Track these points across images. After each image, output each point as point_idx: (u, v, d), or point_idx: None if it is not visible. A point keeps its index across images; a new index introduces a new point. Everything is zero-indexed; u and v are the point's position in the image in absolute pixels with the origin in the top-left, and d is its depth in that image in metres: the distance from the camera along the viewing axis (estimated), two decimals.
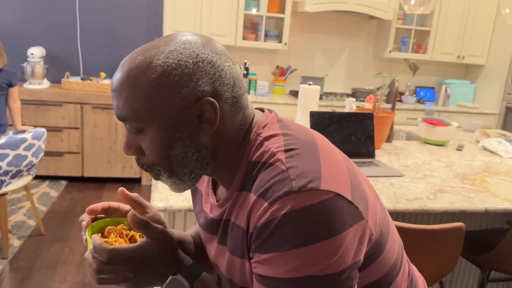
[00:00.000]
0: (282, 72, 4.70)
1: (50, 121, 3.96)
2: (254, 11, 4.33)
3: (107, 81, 4.16)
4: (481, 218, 2.41)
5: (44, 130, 2.95)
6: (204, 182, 0.95)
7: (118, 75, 0.75)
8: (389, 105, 3.96)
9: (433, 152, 2.63)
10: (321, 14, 4.75)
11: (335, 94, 4.87)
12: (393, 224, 0.90)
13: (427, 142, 2.86)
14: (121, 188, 0.89)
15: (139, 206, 0.92)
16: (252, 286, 0.78)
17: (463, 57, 4.92)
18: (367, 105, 2.99)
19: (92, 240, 0.80)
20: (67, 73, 4.19)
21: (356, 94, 4.79)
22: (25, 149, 2.78)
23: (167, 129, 0.74)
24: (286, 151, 0.74)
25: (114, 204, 0.93)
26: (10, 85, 3.16)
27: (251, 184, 0.76)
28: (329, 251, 0.68)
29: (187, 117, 0.74)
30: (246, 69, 4.47)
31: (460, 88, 5.06)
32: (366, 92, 4.74)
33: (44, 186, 4.02)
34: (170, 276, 0.83)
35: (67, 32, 4.36)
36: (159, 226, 0.82)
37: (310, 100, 2.68)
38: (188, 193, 1.65)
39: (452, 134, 2.80)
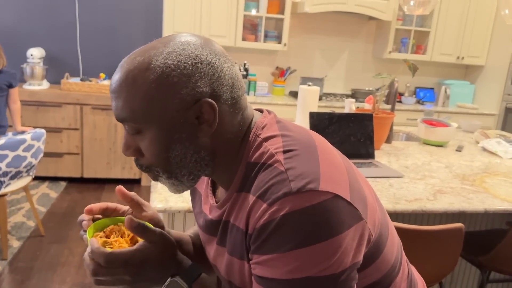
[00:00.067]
0: (281, 73, 4.70)
1: (49, 122, 3.96)
2: (253, 12, 4.33)
3: (106, 82, 4.16)
4: (481, 219, 2.41)
5: (43, 131, 2.95)
6: (204, 183, 0.95)
7: (117, 76, 0.75)
8: (389, 106, 3.97)
9: (433, 152, 2.63)
10: (321, 15, 4.75)
11: (334, 95, 4.87)
12: (392, 225, 0.90)
13: (426, 143, 2.86)
14: (119, 187, 0.89)
15: (137, 205, 0.92)
16: (251, 287, 0.78)
17: (463, 58, 4.93)
18: (366, 106, 2.99)
19: (90, 243, 0.79)
20: (67, 74, 4.19)
21: (355, 95, 4.79)
22: (25, 150, 2.78)
23: (166, 130, 0.74)
24: (285, 152, 0.74)
25: (112, 204, 0.92)
26: (10, 86, 3.15)
27: (250, 185, 0.76)
28: (328, 252, 0.68)
29: (186, 118, 0.74)
30: (246, 70, 4.47)
31: (460, 88, 5.06)
32: (366, 93, 4.74)
33: (44, 187, 4.02)
34: (169, 278, 0.82)
35: (67, 33, 4.36)
36: (157, 229, 0.82)
37: (310, 101, 2.68)
38: (187, 194, 1.64)
39: (451, 135, 2.80)
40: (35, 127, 3.81)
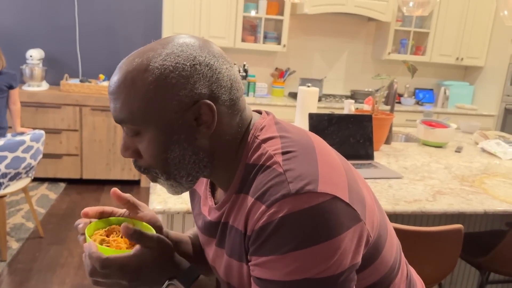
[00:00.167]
0: (281, 74, 4.71)
1: (49, 123, 3.96)
2: (253, 13, 4.33)
3: (106, 83, 4.16)
4: (480, 220, 2.41)
5: (42, 132, 2.95)
6: (203, 185, 0.95)
7: (115, 77, 0.75)
8: (388, 107, 3.97)
9: (432, 154, 2.64)
10: (320, 16, 4.76)
11: (334, 96, 4.87)
12: (391, 226, 0.90)
13: (426, 144, 2.86)
14: (114, 189, 0.89)
15: (133, 206, 0.92)
16: None
17: (462, 59, 4.93)
18: (366, 107, 2.99)
19: (88, 246, 0.79)
20: (66, 75, 4.19)
21: (355, 96, 4.79)
22: (24, 151, 2.78)
23: (165, 132, 0.74)
24: (283, 153, 0.74)
25: (108, 208, 0.92)
26: (11, 87, 3.16)
27: (249, 186, 0.76)
28: (327, 253, 0.68)
29: (184, 119, 0.74)
30: (245, 71, 4.47)
31: (459, 89, 5.07)
32: (365, 94, 4.74)
33: (43, 188, 4.01)
34: (166, 282, 0.82)
35: (66, 34, 4.36)
36: (154, 234, 0.82)
37: (309, 102, 2.68)
38: (186, 195, 1.64)
39: (451, 135, 2.80)
40: (34, 128, 3.81)
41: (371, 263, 0.80)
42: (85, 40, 4.41)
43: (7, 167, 2.70)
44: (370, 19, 4.77)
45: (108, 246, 0.82)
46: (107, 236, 0.86)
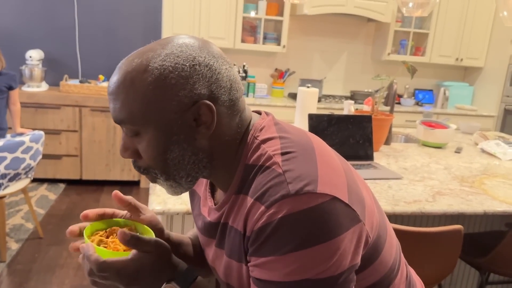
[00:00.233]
0: (280, 75, 4.71)
1: (48, 124, 3.96)
2: (252, 14, 4.34)
3: (105, 84, 4.16)
4: (480, 220, 2.41)
5: (42, 133, 2.95)
6: (202, 186, 0.95)
7: (114, 78, 0.75)
8: (388, 108, 3.96)
9: (432, 154, 2.64)
10: (320, 16, 4.76)
11: (333, 97, 4.87)
12: (390, 226, 0.90)
13: (425, 145, 2.86)
14: (115, 192, 0.89)
15: (134, 208, 0.92)
16: None
17: (462, 60, 4.93)
18: (365, 108, 2.99)
19: (86, 248, 0.79)
20: (66, 76, 4.19)
21: (354, 96, 4.79)
22: (23, 152, 2.78)
23: (164, 132, 0.74)
24: (282, 154, 0.74)
25: (109, 210, 0.92)
26: (10, 88, 3.16)
27: (248, 187, 0.76)
28: (326, 254, 0.68)
29: (183, 120, 0.74)
30: (245, 71, 4.47)
31: (459, 90, 5.07)
32: (365, 95, 4.74)
33: (42, 189, 4.01)
34: (164, 284, 0.82)
35: (66, 35, 4.36)
36: (151, 238, 0.81)
37: (309, 102, 2.68)
38: (186, 196, 1.64)
39: (450, 136, 2.80)
40: (33, 129, 3.81)
41: (371, 264, 0.80)
42: (85, 40, 4.41)
43: (6, 168, 2.70)
44: (369, 20, 4.77)
45: (105, 246, 0.82)
46: (107, 237, 0.86)
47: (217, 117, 0.76)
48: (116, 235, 0.86)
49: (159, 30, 4.53)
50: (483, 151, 2.81)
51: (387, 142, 2.78)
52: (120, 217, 0.92)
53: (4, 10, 4.20)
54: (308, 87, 2.73)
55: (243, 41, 4.42)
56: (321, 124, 2.28)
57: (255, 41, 4.48)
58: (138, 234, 0.81)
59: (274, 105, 4.33)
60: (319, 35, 4.85)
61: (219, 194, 0.89)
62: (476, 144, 3.02)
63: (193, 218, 0.98)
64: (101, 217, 0.90)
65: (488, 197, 1.90)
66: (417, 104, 5.03)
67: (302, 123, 2.66)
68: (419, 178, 2.12)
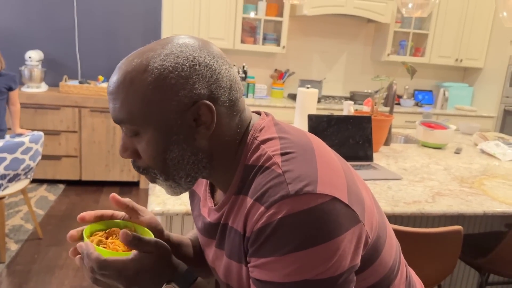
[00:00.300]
0: (280, 76, 4.71)
1: (48, 125, 3.95)
2: (252, 15, 4.34)
3: (105, 85, 4.16)
4: (480, 221, 2.41)
5: (41, 133, 2.94)
6: (202, 186, 0.94)
7: (114, 78, 0.75)
8: (387, 108, 3.96)
9: (431, 155, 2.63)
10: (319, 17, 4.76)
11: (333, 97, 4.87)
12: (390, 227, 0.90)
13: (425, 145, 2.86)
14: (113, 194, 0.89)
15: (133, 210, 0.92)
16: None
17: (461, 60, 4.93)
18: (365, 108, 2.99)
19: (86, 246, 0.79)
20: (65, 76, 4.19)
21: (354, 97, 4.79)
22: (23, 152, 2.77)
23: (164, 132, 0.74)
24: (282, 154, 0.74)
25: (108, 212, 0.91)
26: (10, 89, 3.16)
27: (248, 188, 0.76)
28: (326, 255, 0.67)
29: (183, 120, 0.74)
30: (245, 72, 4.47)
31: (458, 91, 5.07)
32: (364, 95, 4.74)
33: (42, 190, 4.01)
34: (164, 285, 0.82)
35: (65, 35, 4.36)
36: (152, 239, 0.81)
37: (308, 103, 2.68)
38: (185, 196, 1.64)
39: (450, 137, 2.80)
40: (33, 130, 3.81)
41: (370, 264, 0.80)
42: (84, 41, 4.41)
43: (6, 168, 2.70)
44: (369, 21, 4.77)
45: (104, 247, 0.82)
46: (106, 238, 0.86)
47: (216, 117, 0.76)
48: (116, 236, 0.86)
49: (158, 31, 4.53)
50: (483, 151, 2.81)
51: (387, 142, 2.78)
52: (119, 219, 0.92)
53: (3, 11, 4.20)
54: (307, 87, 2.73)
55: (242, 41, 4.42)
56: (320, 125, 2.28)
57: (254, 42, 4.49)
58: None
59: (273, 105, 4.33)
60: (318, 35, 4.85)
61: (219, 194, 0.89)
62: (475, 144, 3.02)
63: (193, 219, 0.98)
64: (100, 218, 0.90)
65: (487, 198, 1.90)
66: (416, 104, 5.03)
67: (301, 124, 2.66)
68: (418, 178, 2.12)
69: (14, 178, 2.83)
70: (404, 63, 2.59)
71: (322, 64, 4.96)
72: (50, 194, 3.92)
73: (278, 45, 4.49)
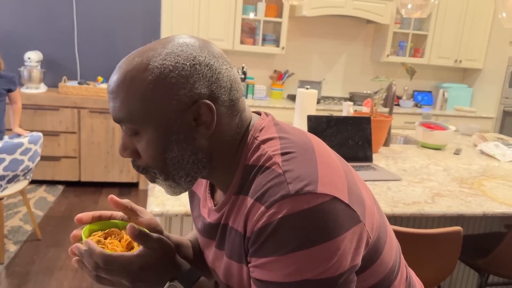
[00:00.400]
0: (279, 76, 4.71)
1: (47, 126, 3.95)
2: (251, 16, 4.34)
3: (104, 86, 4.16)
4: (479, 222, 2.41)
5: (40, 134, 2.94)
6: (202, 187, 0.94)
7: (114, 77, 0.75)
8: (387, 109, 3.97)
9: (431, 156, 2.63)
10: (319, 18, 4.76)
11: (332, 98, 4.87)
12: (390, 228, 0.90)
13: (424, 146, 2.86)
14: (111, 196, 0.88)
15: (131, 211, 0.91)
16: None
17: (461, 61, 4.94)
18: (364, 109, 2.99)
19: (85, 245, 0.79)
20: (64, 77, 4.19)
21: (353, 98, 4.80)
22: (22, 153, 2.77)
23: (163, 132, 0.74)
24: (282, 154, 0.74)
25: (107, 213, 0.91)
26: (10, 91, 3.16)
27: (248, 187, 0.75)
28: (326, 254, 0.67)
29: (183, 119, 0.74)
30: (244, 73, 4.47)
31: (458, 92, 5.07)
32: (364, 96, 4.74)
33: (41, 191, 4.00)
34: (168, 283, 0.82)
35: (64, 36, 4.36)
36: (157, 236, 0.82)
37: (308, 104, 2.67)
38: (184, 197, 1.64)
39: (449, 138, 2.80)
40: (32, 131, 3.80)
41: (371, 265, 0.80)
42: (84, 42, 4.40)
43: (5, 169, 2.70)
44: (368, 21, 4.78)
45: (103, 247, 0.82)
46: (105, 238, 0.86)
47: (217, 117, 0.76)
48: (114, 236, 0.86)
49: (158, 32, 4.53)
50: (482, 152, 2.82)
51: (386, 143, 2.78)
52: (118, 219, 0.92)
53: (2, 12, 4.19)
54: (307, 88, 2.73)
55: (242, 42, 4.42)
56: (320, 126, 2.28)
57: (254, 43, 4.49)
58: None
59: (273, 106, 4.33)
60: (318, 36, 4.86)
61: (219, 195, 0.89)
62: (475, 145, 3.02)
63: (193, 220, 0.98)
64: (99, 219, 0.90)
65: (487, 199, 1.90)
66: (416, 105, 5.03)
67: (301, 125, 2.66)
68: (418, 179, 2.12)
69: (13, 179, 2.82)
70: (404, 64, 2.59)
71: (322, 65, 4.96)
72: (49, 195, 3.92)
73: (278, 46, 4.49)
